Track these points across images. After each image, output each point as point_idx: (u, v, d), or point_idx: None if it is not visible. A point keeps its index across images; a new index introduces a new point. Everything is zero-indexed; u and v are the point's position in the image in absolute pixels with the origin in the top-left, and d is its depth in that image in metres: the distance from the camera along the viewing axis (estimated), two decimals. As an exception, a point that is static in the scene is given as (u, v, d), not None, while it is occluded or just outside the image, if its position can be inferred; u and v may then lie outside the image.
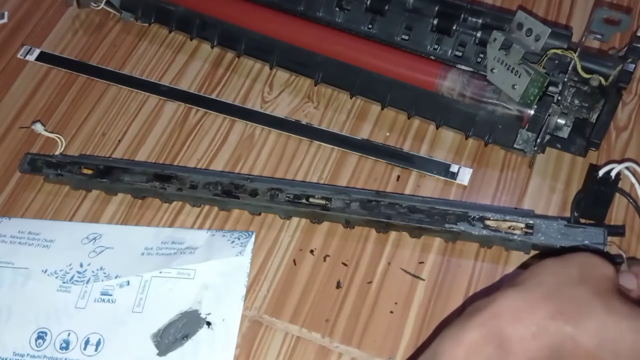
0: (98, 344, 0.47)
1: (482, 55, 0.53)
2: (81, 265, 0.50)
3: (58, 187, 0.55)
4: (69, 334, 0.47)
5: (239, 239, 0.50)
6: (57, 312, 0.48)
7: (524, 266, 0.48)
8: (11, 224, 0.53)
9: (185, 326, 0.47)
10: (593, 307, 0.36)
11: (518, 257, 0.49)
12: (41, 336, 0.47)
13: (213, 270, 0.49)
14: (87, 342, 0.47)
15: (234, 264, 0.49)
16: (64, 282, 0.49)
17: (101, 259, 0.50)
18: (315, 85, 0.58)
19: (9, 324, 0.48)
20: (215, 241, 0.50)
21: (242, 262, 0.49)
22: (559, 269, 0.38)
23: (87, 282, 0.49)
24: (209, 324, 0.47)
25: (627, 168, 0.48)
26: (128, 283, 0.49)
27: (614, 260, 0.40)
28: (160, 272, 0.49)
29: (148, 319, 0.47)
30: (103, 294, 0.48)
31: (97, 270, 0.49)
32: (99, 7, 0.63)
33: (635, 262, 0.43)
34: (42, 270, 0.50)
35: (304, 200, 0.50)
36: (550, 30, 0.48)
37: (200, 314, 0.47)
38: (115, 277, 0.49)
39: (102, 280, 0.49)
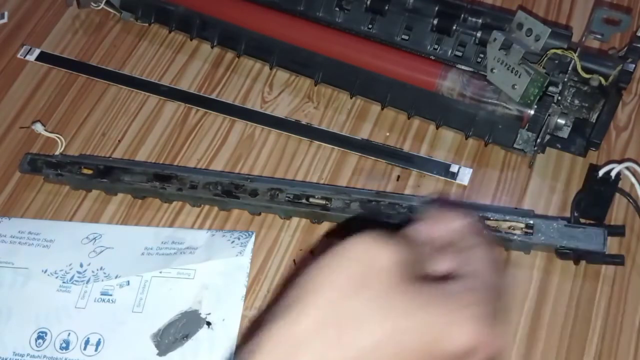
0: (98, 343, 0.47)
1: (482, 55, 0.53)
2: (81, 265, 0.50)
3: (58, 187, 0.55)
4: (69, 334, 0.47)
5: (239, 239, 0.50)
6: (57, 312, 0.48)
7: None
8: (11, 224, 0.53)
9: (185, 326, 0.47)
10: (368, 320, 0.28)
11: (518, 257, 0.49)
12: (41, 336, 0.47)
13: (213, 270, 0.48)
14: (87, 342, 0.47)
15: (234, 264, 0.49)
16: (64, 282, 0.49)
17: (101, 259, 0.50)
18: (315, 85, 0.58)
19: (9, 324, 0.48)
20: (215, 241, 0.50)
21: (242, 262, 0.49)
22: (329, 279, 0.29)
23: (87, 282, 0.49)
24: (209, 324, 0.47)
25: (627, 168, 0.48)
26: (128, 283, 0.49)
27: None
28: (160, 272, 0.49)
29: (148, 318, 0.47)
30: (103, 294, 0.48)
31: (97, 270, 0.49)
32: (99, 7, 0.63)
33: (437, 211, 0.34)
34: (42, 270, 0.50)
35: (304, 200, 0.50)
36: (550, 30, 0.48)
37: (200, 314, 0.47)
38: (115, 277, 0.49)
39: (102, 280, 0.49)
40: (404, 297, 0.28)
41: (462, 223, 0.33)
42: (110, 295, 0.48)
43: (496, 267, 0.31)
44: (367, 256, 0.29)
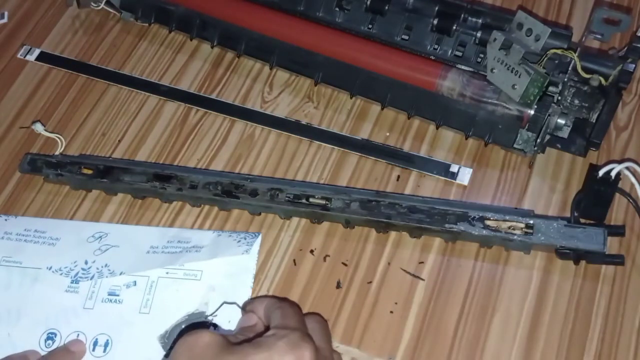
0: (106, 344, 0.47)
1: (482, 55, 0.53)
2: (86, 263, 0.50)
3: (58, 187, 0.55)
4: (77, 335, 0.47)
5: (245, 239, 0.50)
6: (65, 313, 0.48)
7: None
8: (17, 222, 0.53)
9: (192, 328, 0.46)
10: None
11: (518, 257, 0.49)
12: (50, 337, 0.47)
13: (219, 272, 0.48)
14: (95, 343, 0.47)
15: (240, 264, 0.49)
16: (71, 282, 0.49)
17: (106, 256, 0.50)
18: (315, 85, 0.58)
19: (18, 325, 0.48)
20: (221, 241, 0.50)
21: (248, 262, 0.49)
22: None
23: (92, 277, 0.49)
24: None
25: (627, 168, 0.48)
26: (135, 283, 0.48)
27: (206, 325, 0.46)
28: (167, 273, 0.48)
29: (155, 320, 0.47)
30: (110, 294, 0.48)
31: (102, 267, 0.49)
32: (99, 7, 0.63)
33: (248, 301, 0.46)
34: (47, 268, 0.49)
35: (304, 200, 0.50)
36: (550, 30, 0.48)
37: (207, 315, 0.47)
38: (120, 274, 0.49)
39: (107, 277, 0.49)
40: (229, 357, 0.37)
41: (265, 304, 0.43)
42: (118, 295, 0.48)
43: (296, 317, 0.40)
44: (189, 347, 0.38)
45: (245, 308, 0.45)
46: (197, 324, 0.47)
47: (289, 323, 0.39)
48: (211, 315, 0.47)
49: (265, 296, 0.47)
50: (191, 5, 0.61)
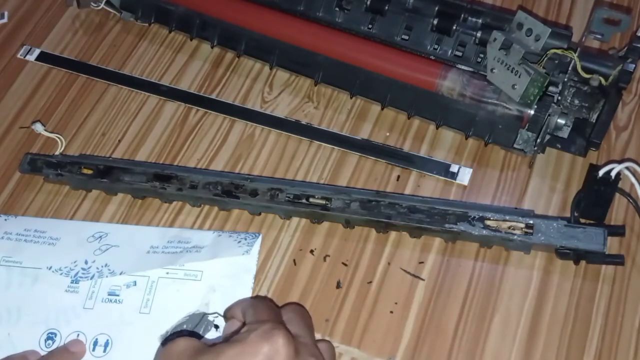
0: (106, 344, 0.47)
1: (482, 55, 0.53)
2: (86, 262, 0.50)
3: (58, 187, 0.55)
4: (77, 335, 0.47)
5: (245, 239, 0.50)
6: (65, 313, 0.48)
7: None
8: (17, 222, 0.53)
9: (193, 329, 0.46)
10: None
11: (518, 257, 0.49)
12: (50, 337, 0.47)
13: (220, 272, 0.48)
14: (95, 343, 0.47)
15: (240, 264, 0.49)
16: (71, 282, 0.49)
17: (106, 256, 0.50)
18: (315, 85, 0.58)
19: (18, 325, 0.48)
20: (221, 241, 0.50)
21: (248, 262, 0.49)
22: None
23: (92, 277, 0.49)
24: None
25: (627, 168, 0.48)
26: (135, 283, 0.48)
27: (197, 335, 0.46)
28: (167, 273, 0.48)
29: (155, 320, 0.47)
30: (110, 294, 0.48)
31: (102, 267, 0.49)
32: (99, 7, 0.63)
33: (228, 308, 0.46)
34: (47, 267, 0.49)
35: (304, 200, 0.50)
36: (550, 30, 0.48)
37: (207, 316, 0.47)
38: (120, 274, 0.49)
39: (107, 277, 0.49)
40: (203, 357, 0.37)
41: (241, 306, 0.44)
42: (118, 295, 0.48)
43: (267, 311, 0.41)
44: (168, 350, 0.40)
45: (227, 315, 0.45)
46: (191, 327, 0.47)
47: (260, 317, 0.40)
48: (212, 314, 0.47)
49: (243, 299, 0.47)
50: (191, 5, 0.61)
